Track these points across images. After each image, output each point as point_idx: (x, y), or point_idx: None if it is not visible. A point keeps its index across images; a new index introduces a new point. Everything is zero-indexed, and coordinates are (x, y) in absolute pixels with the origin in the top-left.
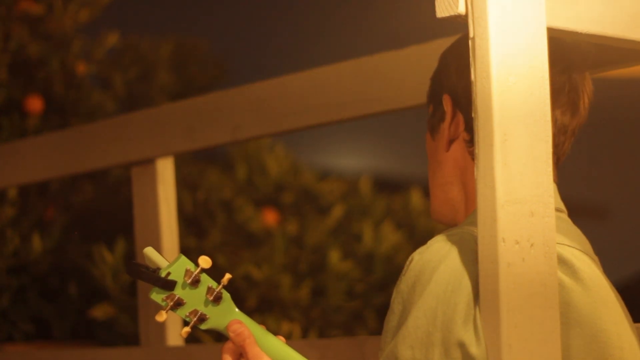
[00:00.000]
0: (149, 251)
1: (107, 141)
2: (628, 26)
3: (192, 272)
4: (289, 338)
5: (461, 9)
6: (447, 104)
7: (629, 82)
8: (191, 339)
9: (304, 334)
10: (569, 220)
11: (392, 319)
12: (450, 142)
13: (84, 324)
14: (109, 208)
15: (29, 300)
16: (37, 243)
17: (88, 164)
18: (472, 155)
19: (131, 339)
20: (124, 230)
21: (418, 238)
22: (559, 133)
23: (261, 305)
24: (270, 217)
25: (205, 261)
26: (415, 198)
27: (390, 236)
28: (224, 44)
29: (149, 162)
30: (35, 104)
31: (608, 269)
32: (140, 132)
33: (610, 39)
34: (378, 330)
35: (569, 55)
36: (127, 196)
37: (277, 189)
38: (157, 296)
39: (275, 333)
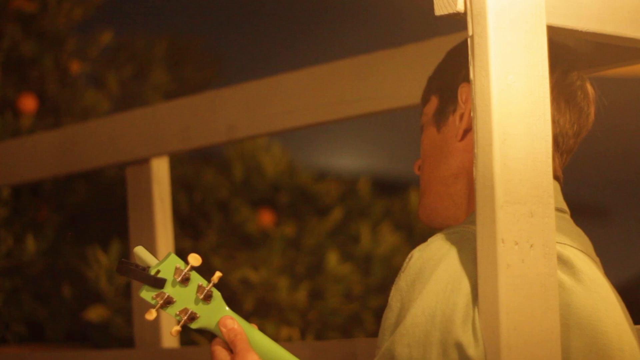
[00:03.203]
0: (139, 250)
1: (101, 141)
2: (628, 24)
3: (181, 270)
4: (287, 341)
5: (460, 7)
6: (467, 92)
7: (629, 82)
8: (187, 340)
9: (301, 337)
10: (571, 221)
11: (389, 316)
12: (466, 131)
13: (78, 326)
14: (103, 209)
15: (22, 302)
16: (30, 244)
17: (82, 164)
18: None
19: (126, 342)
20: (119, 231)
21: (417, 239)
22: (560, 134)
23: (258, 308)
24: (267, 218)
25: (195, 259)
26: (414, 199)
27: (389, 237)
28: (218, 43)
29: (143, 162)
30: (28, 102)
31: (608, 270)
32: (135, 132)
33: (610, 37)
34: (376, 333)
35: (557, 54)
36: (121, 196)
37: (273, 190)
38: (147, 294)
39: (274, 338)
